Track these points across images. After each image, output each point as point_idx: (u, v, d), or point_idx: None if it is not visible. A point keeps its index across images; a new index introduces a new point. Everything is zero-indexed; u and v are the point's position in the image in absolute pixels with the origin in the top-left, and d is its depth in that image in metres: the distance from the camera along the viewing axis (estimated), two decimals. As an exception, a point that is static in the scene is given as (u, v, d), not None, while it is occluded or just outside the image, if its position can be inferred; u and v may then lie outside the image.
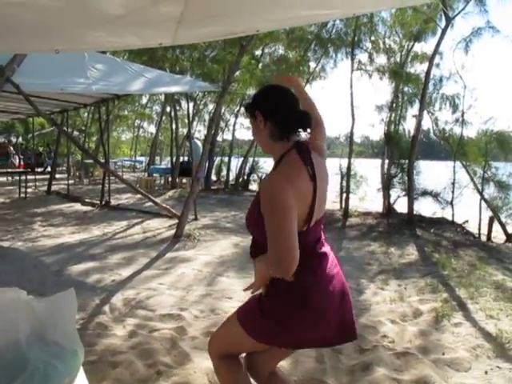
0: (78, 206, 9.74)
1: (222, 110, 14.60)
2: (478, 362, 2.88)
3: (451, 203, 8.23)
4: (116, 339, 3.11)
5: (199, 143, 12.66)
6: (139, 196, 9.92)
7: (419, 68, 10.57)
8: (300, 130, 1.76)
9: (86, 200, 10.41)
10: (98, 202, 10.06)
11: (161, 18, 2.29)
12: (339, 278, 1.80)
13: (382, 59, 11.11)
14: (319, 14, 2.75)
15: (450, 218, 8.05)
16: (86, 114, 20.37)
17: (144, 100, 21.78)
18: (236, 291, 4.18)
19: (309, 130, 1.78)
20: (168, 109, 16.99)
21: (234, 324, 1.78)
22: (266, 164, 13.94)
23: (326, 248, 1.84)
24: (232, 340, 1.85)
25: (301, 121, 1.75)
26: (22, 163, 20.12)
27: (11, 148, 19.49)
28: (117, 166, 21.49)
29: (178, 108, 15.96)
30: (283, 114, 1.72)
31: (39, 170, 19.23)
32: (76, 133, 21.02)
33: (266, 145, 1.78)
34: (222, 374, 1.89)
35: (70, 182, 13.28)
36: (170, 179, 14.36)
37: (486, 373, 2.74)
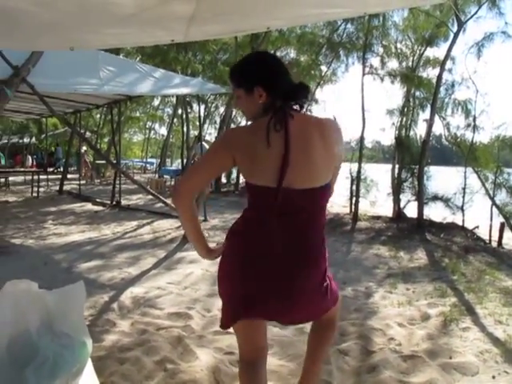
0: (89, 206, 9.84)
1: (233, 113, 14.65)
2: (486, 366, 2.85)
3: (462, 209, 8.18)
4: (124, 336, 3.13)
5: (207, 146, 12.71)
6: (149, 197, 9.99)
7: (431, 72, 10.52)
8: (298, 101, 1.70)
9: (97, 200, 10.50)
10: (109, 202, 10.15)
11: (172, 16, 2.33)
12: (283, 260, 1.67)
13: (393, 63, 11.09)
14: (330, 13, 2.76)
15: (460, 224, 8.00)
16: (98, 115, 20.55)
17: (156, 102, 21.96)
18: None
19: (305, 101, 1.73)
20: (179, 111, 17.09)
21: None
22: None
23: (295, 227, 1.68)
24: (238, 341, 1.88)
25: (298, 93, 1.68)
26: (34, 163, 20.36)
27: None
28: (127, 166, 21.64)
29: (189, 110, 16.06)
30: (285, 86, 1.66)
31: (51, 169, 19.44)
32: (88, 133, 21.20)
33: (255, 115, 1.72)
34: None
35: (82, 182, 13.40)
36: (180, 181, 14.40)
37: (493, 377, 2.71)
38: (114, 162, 10.36)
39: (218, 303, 3.88)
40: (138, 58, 13.74)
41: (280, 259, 1.65)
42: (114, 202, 10.01)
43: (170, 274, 4.74)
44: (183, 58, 12.50)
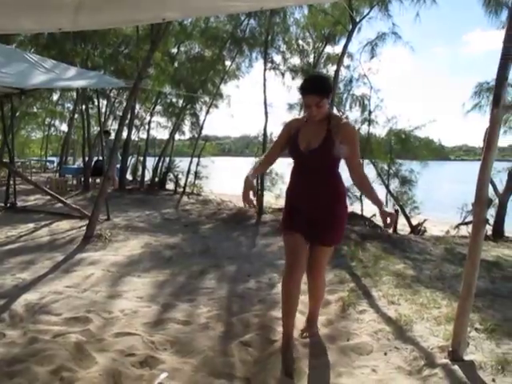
0: (-22, 209, 9.04)
1: (138, 108, 14.22)
2: (379, 344, 3.04)
3: (360, 198, 8.63)
4: (15, 347, 2.91)
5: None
6: (49, 197, 9.41)
7: (332, 69, 10.99)
8: None
9: (-12, 202, 9.68)
10: (3, 204, 9.41)
11: (57, 1, 2.19)
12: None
13: (295, 60, 11.42)
14: (225, 6, 2.77)
15: (359, 213, 8.45)
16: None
17: (55, 97, 20.65)
18: (146, 290, 4.11)
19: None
20: (81, 106, 16.23)
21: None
22: (182, 163, 13.77)
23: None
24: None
25: None
26: None
27: None
28: (25, 166, 20.21)
29: (90, 105, 15.31)
30: None
31: None
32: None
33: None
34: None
35: (-29, 183, 12.31)
36: (82, 179, 13.74)
37: (385, 354, 2.90)
38: (7, 161, 9.57)
39: (118, 304, 3.76)
40: (32, 50, 12.82)
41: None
42: (9, 204, 9.29)
43: (69, 277, 4.50)
44: (82, 50, 11.90)
